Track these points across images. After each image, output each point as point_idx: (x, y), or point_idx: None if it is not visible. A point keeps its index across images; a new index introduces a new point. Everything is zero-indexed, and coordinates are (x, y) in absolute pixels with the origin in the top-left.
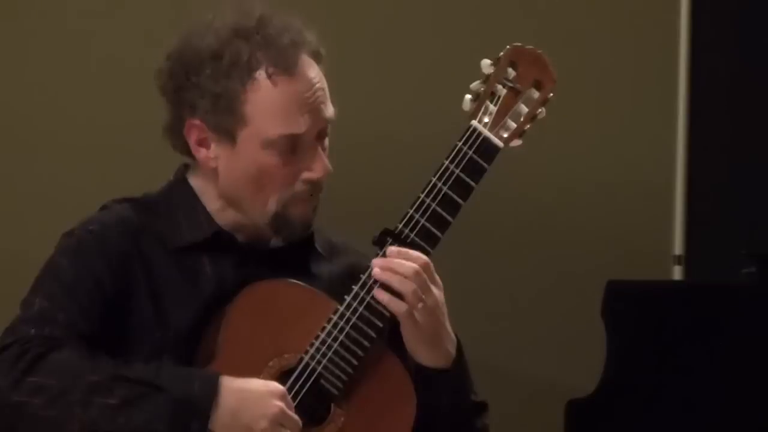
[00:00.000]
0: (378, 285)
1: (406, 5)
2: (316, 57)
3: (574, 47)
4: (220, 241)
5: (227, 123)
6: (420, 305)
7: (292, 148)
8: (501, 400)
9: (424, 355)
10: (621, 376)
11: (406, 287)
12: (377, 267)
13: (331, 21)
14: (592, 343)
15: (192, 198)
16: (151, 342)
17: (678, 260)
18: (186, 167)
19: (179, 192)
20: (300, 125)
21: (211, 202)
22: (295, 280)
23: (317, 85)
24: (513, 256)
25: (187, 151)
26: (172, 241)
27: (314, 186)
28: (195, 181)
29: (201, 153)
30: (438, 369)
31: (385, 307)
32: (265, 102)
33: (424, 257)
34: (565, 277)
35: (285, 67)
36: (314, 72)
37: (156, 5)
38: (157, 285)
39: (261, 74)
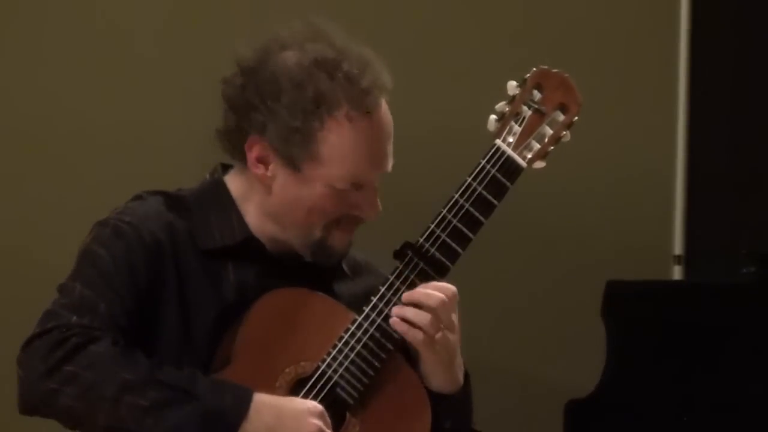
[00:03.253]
0: (396, 306)
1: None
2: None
3: (571, 44)
4: (249, 248)
5: (298, 156)
6: (438, 335)
7: (353, 190)
8: (500, 400)
9: (437, 381)
10: (621, 376)
11: (421, 319)
12: (394, 318)
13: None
14: (591, 343)
15: (227, 201)
16: (171, 342)
17: (678, 260)
18: (224, 168)
19: (215, 193)
20: (369, 172)
21: (249, 210)
22: (314, 291)
23: (389, 131)
24: (511, 255)
25: (237, 156)
26: (202, 241)
27: (359, 222)
28: (234, 185)
29: (258, 169)
30: (445, 394)
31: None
32: (342, 145)
33: (452, 288)
34: (564, 276)
35: (365, 110)
36: (389, 117)
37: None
38: (185, 285)
39: (341, 115)
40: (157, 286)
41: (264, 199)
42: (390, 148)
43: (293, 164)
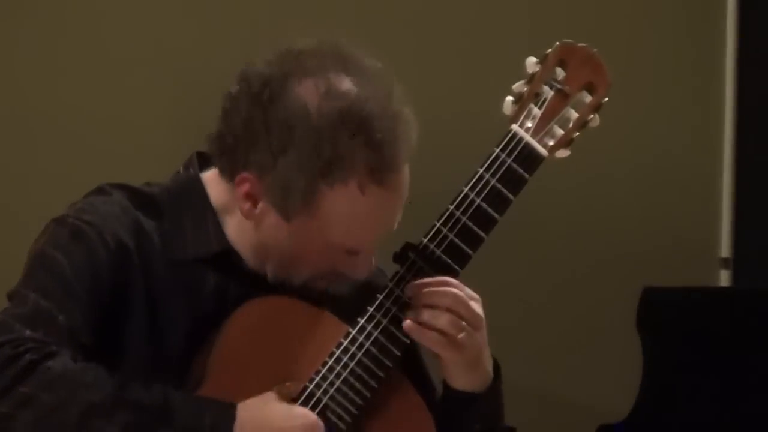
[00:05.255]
0: (404, 315)
1: None
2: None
3: (617, 39)
4: (227, 260)
5: (293, 209)
6: (461, 336)
7: (348, 253)
8: (520, 426)
9: (463, 380)
10: (659, 396)
11: (441, 322)
12: (407, 321)
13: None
14: (625, 358)
15: (205, 206)
16: (142, 358)
17: (725, 264)
18: (201, 159)
19: (190, 193)
20: (368, 241)
21: (229, 221)
22: (300, 300)
23: (404, 197)
24: (533, 258)
25: (224, 168)
26: (175, 248)
27: (348, 279)
28: (214, 191)
29: (245, 205)
30: (474, 393)
31: (408, 336)
32: (348, 215)
33: (447, 278)
34: (594, 283)
35: (381, 179)
36: (406, 182)
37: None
38: (155, 295)
39: (353, 183)
40: (122, 297)
41: (248, 224)
42: (400, 213)
43: (286, 215)
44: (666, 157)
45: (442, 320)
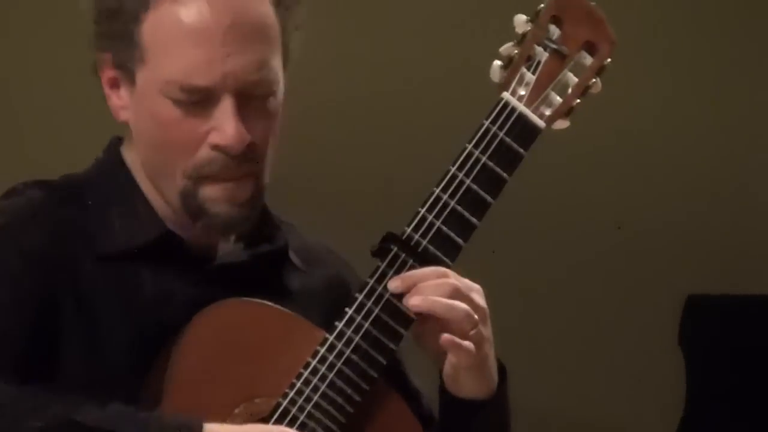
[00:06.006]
0: (389, 316)
1: None
2: None
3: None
4: (166, 246)
5: (125, 54)
6: (473, 332)
7: (195, 100)
8: None
9: (470, 386)
10: (705, 419)
11: (456, 314)
12: (413, 299)
13: None
14: (665, 378)
15: (130, 185)
16: (79, 376)
17: None
18: (120, 140)
19: (112, 174)
20: (206, 73)
21: (149, 186)
22: (267, 302)
23: (241, 11)
24: (555, 261)
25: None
26: (104, 243)
27: (226, 160)
28: (131, 156)
29: (112, 99)
30: (481, 401)
31: (392, 337)
32: (165, 33)
33: (440, 268)
34: (631, 289)
35: None
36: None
37: None
38: (86, 302)
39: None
40: (48, 307)
41: (141, 158)
42: (249, 44)
43: (130, 74)
44: (716, 155)
45: (458, 311)
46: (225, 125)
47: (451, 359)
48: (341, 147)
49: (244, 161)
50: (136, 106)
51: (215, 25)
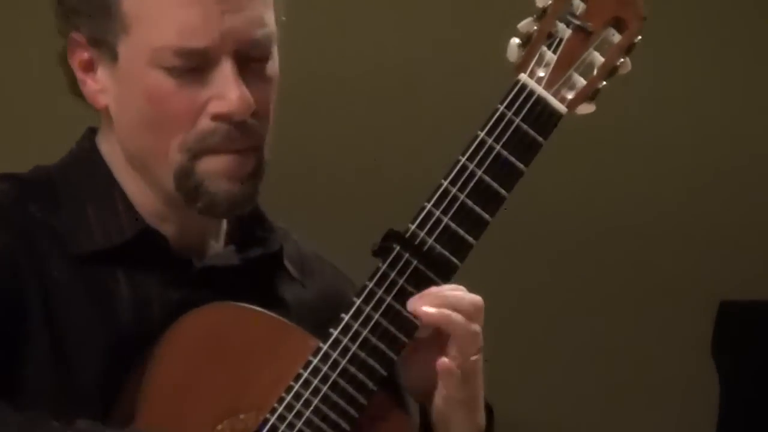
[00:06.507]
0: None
1: None
2: None
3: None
4: (146, 245)
5: (102, 28)
6: (474, 358)
7: (191, 66)
8: None
9: (458, 424)
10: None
11: (469, 334)
12: (424, 307)
13: None
14: (698, 389)
15: (105, 176)
16: (46, 389)
17: None
18: (94, 131)
19: (87, 166)
20: (203, 34)
21: (127, 179)
22: (254, 306)
23: None
24: (585, 268)
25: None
26: (77, 242)
27: (229, 130)
28: (107, 149)
29: (87, 84)
30: None
31: (394, 346)
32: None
33: (476, 297)
34: (660, 295)
35: None
36: None
37: None
38: (56, 307)
39: None
40: (12, 313)
41: (123, 146)
42: (242, 5)
43: (109, 50)
44: (751, 158)
45: (464, 330)
46: (227, 90)
47: (441, 391)
48: (340, 136)
49: (246, 131)
50: (120, 84)
51: None
